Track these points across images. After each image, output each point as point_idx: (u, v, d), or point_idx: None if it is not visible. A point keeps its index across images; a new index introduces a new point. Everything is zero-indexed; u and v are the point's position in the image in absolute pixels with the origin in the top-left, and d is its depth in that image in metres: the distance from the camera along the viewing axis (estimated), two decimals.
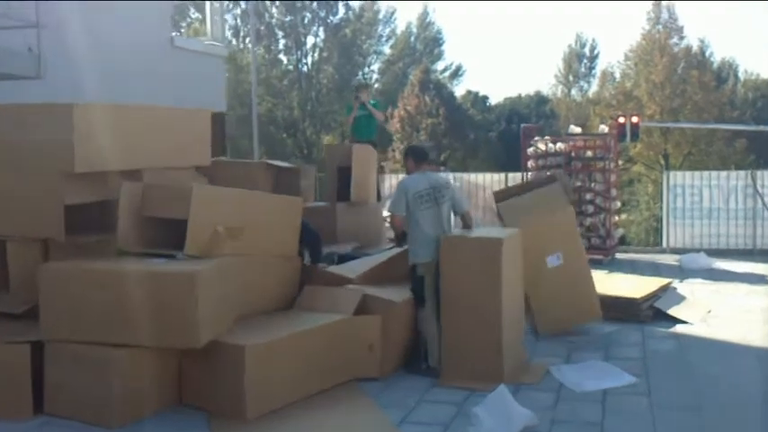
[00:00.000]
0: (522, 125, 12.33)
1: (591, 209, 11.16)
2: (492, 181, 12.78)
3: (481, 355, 5.85)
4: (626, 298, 7.67)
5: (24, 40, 9.79)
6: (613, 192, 11.45)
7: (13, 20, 9.78)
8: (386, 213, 8.69)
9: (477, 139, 39.39)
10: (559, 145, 11.47)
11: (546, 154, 11.43)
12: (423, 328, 6.21)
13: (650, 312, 7.73)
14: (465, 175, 13.53)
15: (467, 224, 6.56)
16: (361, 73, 46.71)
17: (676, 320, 7.59)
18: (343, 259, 7.47)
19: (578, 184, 11.29)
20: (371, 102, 11.00)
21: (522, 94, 47.31)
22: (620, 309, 7.56)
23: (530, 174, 11.54)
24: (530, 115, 40.07)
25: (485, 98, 45.45)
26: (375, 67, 46.82)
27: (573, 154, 11.41)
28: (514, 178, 12.14)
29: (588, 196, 11.22)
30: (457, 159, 37.07)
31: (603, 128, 11.68)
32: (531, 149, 11.58)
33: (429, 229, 6.15)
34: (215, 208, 5.63)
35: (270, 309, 6.08)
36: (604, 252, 11.04)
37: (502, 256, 5.85)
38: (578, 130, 11.95)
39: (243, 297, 5.77)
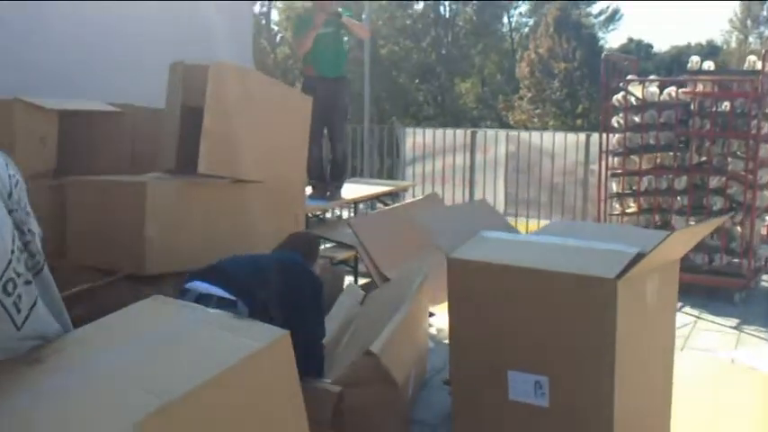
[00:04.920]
0: (605, 53, 7.42)
1: (719, 202, 6.34)
2: (565, 145, 8.05)
3: None
4: None
5: None
6: (764, 175, 6.50)
7: None
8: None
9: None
10: (671, 90, 6.62)
11: (644, 105, 6.61)
12: None
13: None
14: (523, 134, 8.63)
15: None
16: (506, 15, 42.53)
17: None
18: None
19: (702, 158, 6.49)
20: (346, 12, 6.66)
21: (693, 43, 40.85)
22: None
23: (614, 137, 6.82)
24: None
25: (648, 46, 39.55)
26: (523, 9, 43.27)
27: (694, 107, 6.50)
28: (595, 142, 7.43)
29: (715, 181, 6.39)
30: (596, 110, 31.48)
31: (753, 61, 6.58)
32: (619, 96, 6.81)
33: None
34: None
35: None
36: (740, 280, 6.20)
37: None
38: (709, 65, 6.81)
39: None
